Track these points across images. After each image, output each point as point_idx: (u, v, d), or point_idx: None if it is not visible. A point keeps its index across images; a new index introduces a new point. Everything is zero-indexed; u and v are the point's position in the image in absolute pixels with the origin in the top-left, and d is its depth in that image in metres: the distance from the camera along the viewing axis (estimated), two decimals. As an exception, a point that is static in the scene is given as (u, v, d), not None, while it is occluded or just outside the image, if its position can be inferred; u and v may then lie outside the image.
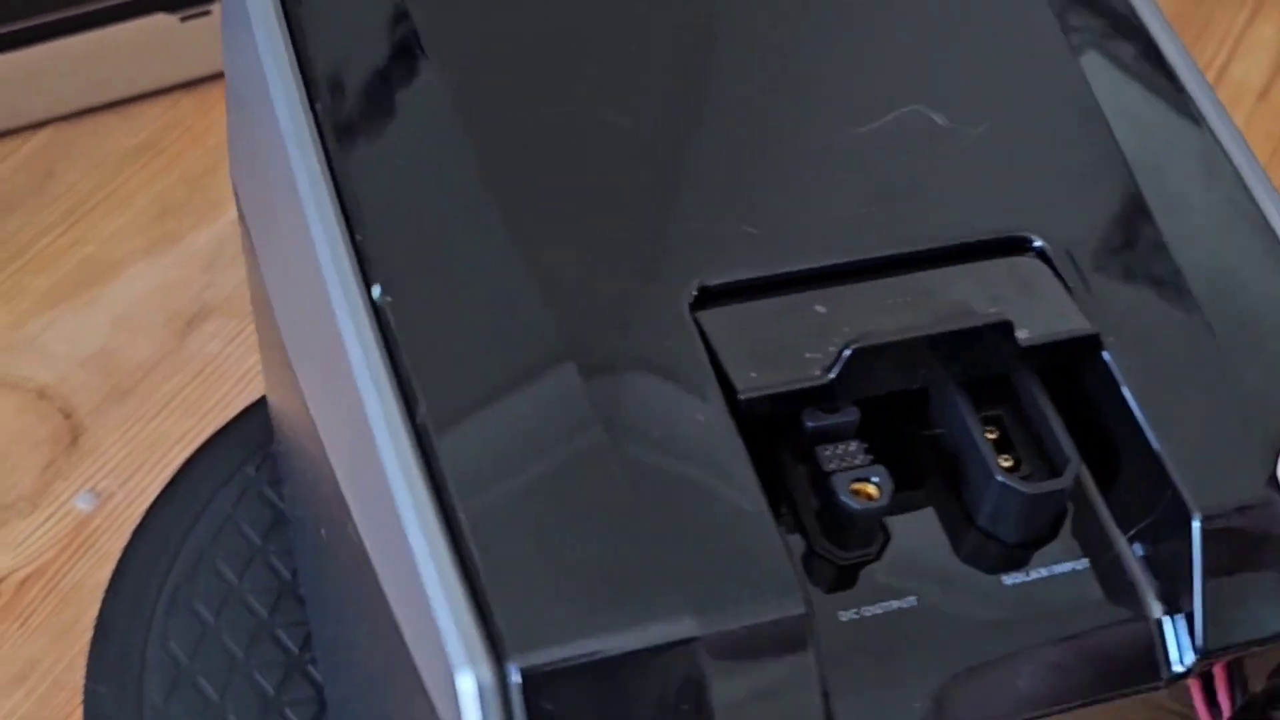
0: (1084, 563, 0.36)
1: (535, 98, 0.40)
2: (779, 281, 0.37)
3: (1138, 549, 0.36)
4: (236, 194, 0.52)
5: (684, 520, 0.33)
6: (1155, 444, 0.36)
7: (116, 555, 0.60)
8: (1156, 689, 0.36)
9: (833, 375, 0.35)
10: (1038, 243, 0.39)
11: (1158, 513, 0.36)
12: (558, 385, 0.35)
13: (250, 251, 0.50)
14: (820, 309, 0.37)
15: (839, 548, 0.35)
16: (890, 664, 0.34)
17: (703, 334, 0.36)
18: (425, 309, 0.36)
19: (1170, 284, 0.39)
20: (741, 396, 0.35)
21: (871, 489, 0.35)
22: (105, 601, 0.59)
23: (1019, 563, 0.36)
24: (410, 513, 0.34)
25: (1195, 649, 0.35)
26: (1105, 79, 0.42)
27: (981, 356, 0.37)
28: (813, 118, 0.41)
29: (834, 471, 0.35)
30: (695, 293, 0.37)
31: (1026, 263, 0.39)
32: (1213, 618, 0.35)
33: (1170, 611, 0.36)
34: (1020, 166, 0.40)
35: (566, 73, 0.40)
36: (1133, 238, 0.39)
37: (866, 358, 0.35)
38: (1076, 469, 0.36)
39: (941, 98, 0.41)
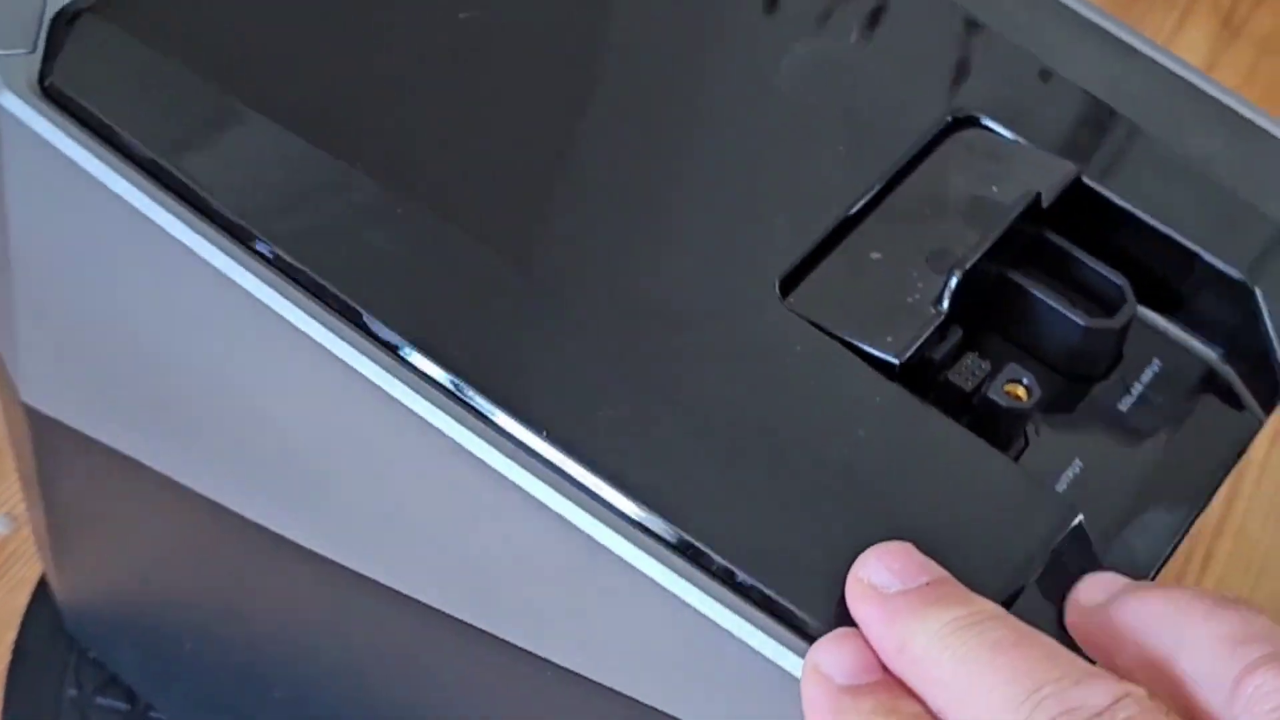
0: (1158, 365, 0.40)
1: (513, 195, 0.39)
2: (823, 247, 0.39)
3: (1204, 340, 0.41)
4: (34, 414, 0.47)
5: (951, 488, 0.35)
6: (1178, 238, 0.40)
7: (32, 582, 0.61)
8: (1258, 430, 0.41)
9: (945, 307, 0.37)
10: (983, 119, 0.42)
11: (1198, 286, 0.41)
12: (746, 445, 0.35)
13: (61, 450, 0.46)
14: (876, 255, 0.39)
15: (1002, 450, 0.38)
16: (1109, 519, 0.37)
17: (811, 322, 0.37)
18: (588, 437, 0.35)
19: (1091, 106, 0.42)
20: (899, 361, 0.37)
21: (1021, 390, 0.38)
22: None
23: (1121, 389, 0.40)
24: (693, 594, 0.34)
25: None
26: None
27: (1023, 233, 0.39)
28: (721, 87, 0.42)
29: (979, 386, 0.37)
30: (779, 286, 0.38)
31: (975, 135, 0.42)
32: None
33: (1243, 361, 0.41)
34: (922, 65, 0.43)
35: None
36: (1040, 84, 0.43)
37: (965, 282, 0.38)
38: (1131, 290, 0.40)
39: (823, 28, 0.43)
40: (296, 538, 0.42)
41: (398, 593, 0.40)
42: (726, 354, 0.37)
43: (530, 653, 0.38)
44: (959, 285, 0.38)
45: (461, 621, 0.39)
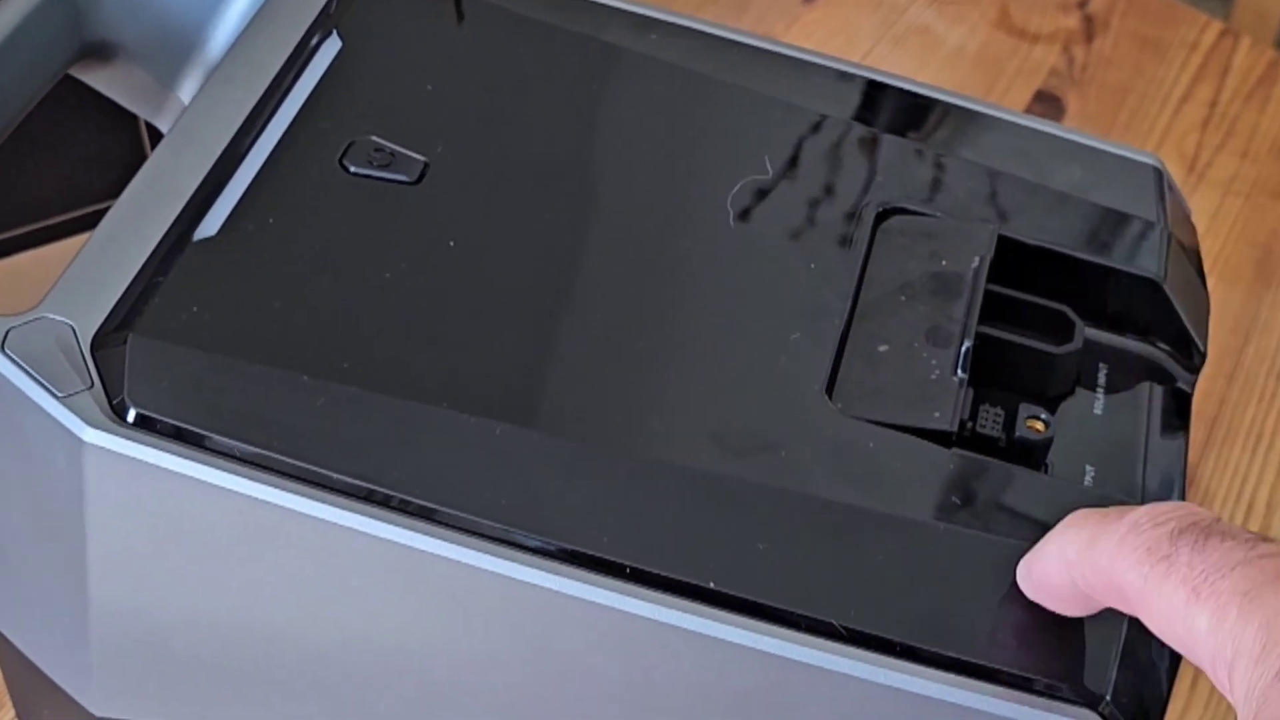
0: (1105, 368, 0.48)
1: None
2: (839, 352, 0.45)
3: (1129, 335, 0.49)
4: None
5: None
6: (1091, 258, 0.48)
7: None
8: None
9: (964, 374, 0.44)
10: (904, 205, 0.48)
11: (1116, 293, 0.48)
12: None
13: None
14: (884, 348, 0.45)
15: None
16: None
17: (866, 419, 0.43)
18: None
19: (978, 172, 0.50)
20: (954, 430, 0.43)
21: (1040, 424, 0.44)
22: None
23: (1089, 397, 0.47)
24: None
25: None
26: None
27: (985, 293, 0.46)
28: (694, 238, 0.47)
29: (1006, 429, 0.44)
30: (824, 390, 0.43)
31: (902, 220, 0.48)
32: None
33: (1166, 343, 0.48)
34: (842, 176, 0.49)
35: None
36: (935, 165, 0.50)
37: (977, 352, 0.44)
38: (1075, 316, 0.47)
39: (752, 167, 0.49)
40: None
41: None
42: (827, 469, 0.42)
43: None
44: (968, 352, 0.44)
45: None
